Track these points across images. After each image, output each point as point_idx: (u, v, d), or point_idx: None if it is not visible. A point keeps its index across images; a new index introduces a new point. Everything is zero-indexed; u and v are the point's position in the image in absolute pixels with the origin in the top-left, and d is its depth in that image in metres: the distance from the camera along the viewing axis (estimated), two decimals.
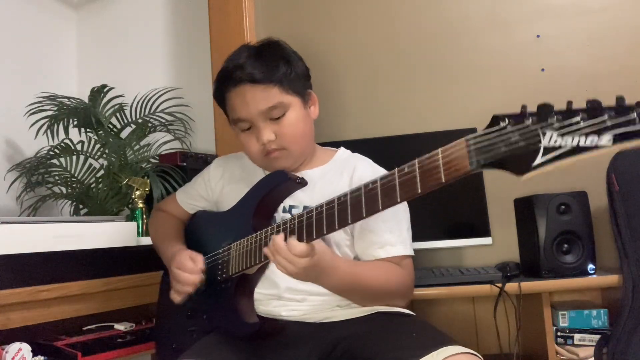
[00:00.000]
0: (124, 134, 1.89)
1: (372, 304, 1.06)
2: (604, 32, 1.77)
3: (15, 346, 1.14)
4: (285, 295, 1.07)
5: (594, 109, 0.62)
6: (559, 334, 1.50)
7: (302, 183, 1.06)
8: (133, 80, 2.03)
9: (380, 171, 1.06)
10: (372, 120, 1.89)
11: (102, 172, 1.82)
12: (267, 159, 1.11)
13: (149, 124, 1.88)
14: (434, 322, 1.03)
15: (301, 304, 1.07)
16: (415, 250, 1.10)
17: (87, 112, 1.74)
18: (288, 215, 1.08)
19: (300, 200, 1.10)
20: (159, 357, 1.24)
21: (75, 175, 1.82)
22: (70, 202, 1.86)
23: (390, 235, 1.05)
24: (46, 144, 1.78)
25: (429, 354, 0.83)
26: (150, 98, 1.89)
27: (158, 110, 1.89)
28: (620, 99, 0.62)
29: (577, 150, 0.63)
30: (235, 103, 1.09)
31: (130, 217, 1.67)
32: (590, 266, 1.48)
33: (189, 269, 1.08)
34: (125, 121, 1.89)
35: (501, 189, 1.70)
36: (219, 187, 1.23)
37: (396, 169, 0.80)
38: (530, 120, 0.65)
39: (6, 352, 1.13)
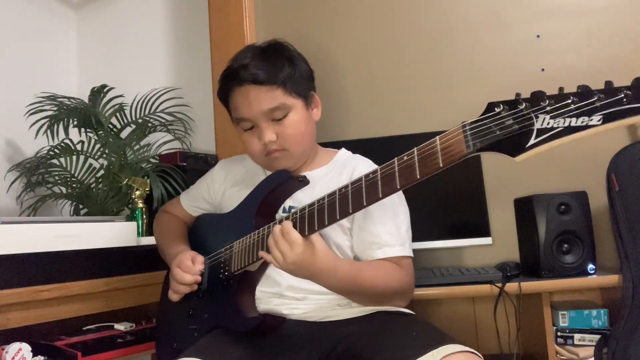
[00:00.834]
0: (124, 134, 1.89)
1: (373, 304, 1.07)
2: (604, 32, 1.77)
3: (15, 346, 1.14)
4: (287, 294, 1.08)
5: (584, 92, 0.66)
6: (559, 334, 1.50)
7: (304, 181, 1.06)
8: (133, 80, 2.03)
9: None
10: (373, 120, 1.89)
11: (102, 172, 1.81)
12: (267, 159, 1.12)
13: (149, 124, 1.88)
14: (434, 322, 1.03)
15: (302, 303, 1.07)
16: (415, 250, 1.10)
17: (87, 112, 1.74)
18: None
19: (300, 201, 1.10)
20: (159, 354, 1.24)
21: (75, 175, 1.82)
22: (70, 202, 1.86)
23: (388, 236, 1.05)
24: (46, 144, 1.78)
25: (429, 353, 0.84)
26: (150, 98, 1.89)
27: (158, 110, 1.89)
28: (609, 82, 0.64)
29: (568, 130, 0.67)
30: (239, 103, 1.10)
31: (130, 217, 1.67)
32: (590, 266, 1.48)
33: (187, 268, 1.09)
34: (125, 121, 1.89)
35: (501, 189, 1.70)
36: (222, 190, 1.24)
37: (396, 158, 0.84)
38: (524, 105, 0.69)
39: (6, 352, 1.12)
